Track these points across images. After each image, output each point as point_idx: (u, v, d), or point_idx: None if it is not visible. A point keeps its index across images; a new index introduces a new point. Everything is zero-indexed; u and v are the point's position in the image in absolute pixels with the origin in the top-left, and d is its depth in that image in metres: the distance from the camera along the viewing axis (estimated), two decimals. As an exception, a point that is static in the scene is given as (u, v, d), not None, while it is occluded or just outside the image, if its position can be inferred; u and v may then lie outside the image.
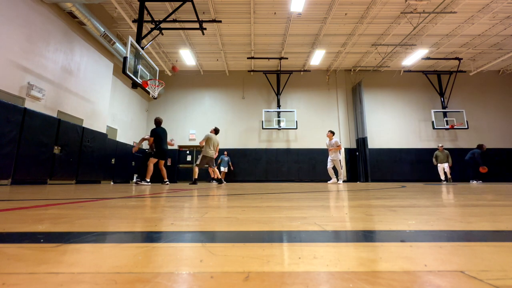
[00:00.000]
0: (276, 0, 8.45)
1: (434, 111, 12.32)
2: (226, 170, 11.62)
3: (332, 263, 0.45)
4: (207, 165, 7.02)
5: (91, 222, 0.86)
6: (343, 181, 7.73)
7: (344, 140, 12.64)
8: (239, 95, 13.15)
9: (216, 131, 7.14)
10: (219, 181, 7.03)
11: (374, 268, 0.42)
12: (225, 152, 11.90)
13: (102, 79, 8.71)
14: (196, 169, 6.84)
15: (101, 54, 8.62)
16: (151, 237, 0.67)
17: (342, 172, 7.56)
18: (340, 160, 7.71)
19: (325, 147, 12.47)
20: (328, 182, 7.79)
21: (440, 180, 10.60)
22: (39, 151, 5.63)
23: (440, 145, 10.34)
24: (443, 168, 10.07)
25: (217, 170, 7.08)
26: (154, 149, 6.43)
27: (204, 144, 6.82)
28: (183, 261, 0.46)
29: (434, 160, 10.32)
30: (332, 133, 8.02)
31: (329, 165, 7.82)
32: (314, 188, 4.04)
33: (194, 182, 6.81)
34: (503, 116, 12.76)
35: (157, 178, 9.09)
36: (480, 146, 9.81)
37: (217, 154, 7.17)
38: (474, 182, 9.74)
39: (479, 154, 9.64)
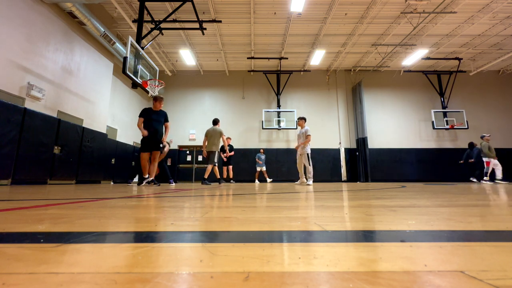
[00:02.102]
0: (276, 0, 8.45)
1: (434, 111, 12.32)
2: (264, 169, 11.07)
3: (332, 263, 0.45)
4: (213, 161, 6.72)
5: (91, 222, 0.86)
6: (295, 182, 6.62)
7: (344, 140, 12.64)
8: (239, 95, 13.16)
9: (213, 122, 6.89)
10: (217, 180, 6.91)
11: (374, 268, 0.42)
12: (261, 150, 11.32)
13: (102, 79, 8.71)
14: (215, 168, 6.74)
15: (101, 54, 8.62)
16: (151, 237, 0.67)
17: (311, 170, 6.27)
18: (308, 155, 6.26)
19: (323, 146, 12.52)
20: (295, 182, 6.16)
21: (493, 180, 8.73)
22: (39, 151, 5.63)
23: (488, 134, 8.87)
24: (495, 164, 8.41)
25: (210, 168, 6.74)
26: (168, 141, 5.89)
27: (206, 141, 6.73)
28: (183, 261, 0.46)
29: (489, 153, 8.44)
30: (304, 119, 6.54)
31: (306, 162, 6.40)
32: (313, 188, 4.04)
33: (218, 180, 6.93)
34: (503, 116, 12.76)
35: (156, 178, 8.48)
36: (475, 144, 9.87)
37: (225, 144, 6.95)
38: (482, 181, 9.56)
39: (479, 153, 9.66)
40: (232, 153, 9.67)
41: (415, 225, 0.82)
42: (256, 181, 11.18)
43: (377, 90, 13.14)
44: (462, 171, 11.82)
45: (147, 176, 5.12)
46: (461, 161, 10.28)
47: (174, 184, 5.99)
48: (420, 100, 13.04)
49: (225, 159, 9.44)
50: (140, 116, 5.20)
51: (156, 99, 5.34)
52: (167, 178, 6.35)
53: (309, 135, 6.27)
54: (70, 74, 7.21)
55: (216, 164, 6.71)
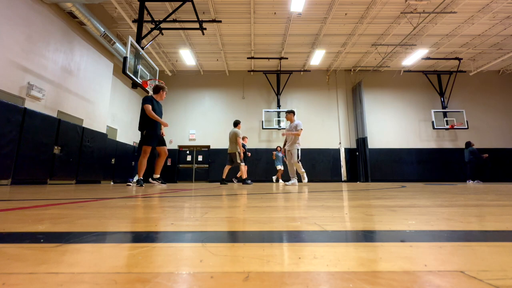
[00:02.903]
0: (276, 0, 8.45)
1: (434, 111, 12.33)
2: (282, 168, 10.40)
3: (332, 263, 0.45)
4: (236, 162, 6.90)
5: (91, 222, 0.86)
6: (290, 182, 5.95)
7: (344, 140, 12.64)
8: (239, 95, 13.16)
9: (233, 124, 7.21)
10: (221, 180, 6.97)
11: (374, 268, 0.42)
12: (278, 147, 10.84)
13: (102, 79, 8.71)
14: (226, 168, 6.99)
15: (101, 54, 8.62)
16: (151, 237, 0.67)
17: (301, 165, 5.74)
18: (298, 150, 5.69)
19: (323, 146, 12.52)
20: (286, 183, 5.81)
21: None
22: (39, 151, 5.63)
23: None
24: None
25: (243, 168, 6.99)
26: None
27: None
28: (183, 261, 0.46)
29: None
30: (293, 113, 5.97)
31: (294, 159, 5.74)
32: (313, 188, 4.04)
33: (244, 181, 6.87)
34: (503, 116, 12.77)
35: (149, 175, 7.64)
36: (471, 143, 9.97)
37: (239, 145, 6.90)
38: (471, 182, 9.73)
39: (477, 151, 9.81)
40: (249, 154, 9.58)
41: (415, 225, 0.82)
42: (280, 181, 10.61)
43: (377, 90, 13.14)
44: (462, 171, 11.83)
45: (141, 178, 4.68)
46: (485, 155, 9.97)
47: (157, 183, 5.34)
48: (420, 100, 13.05)
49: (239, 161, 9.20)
50: (149, 103, 4.62)
51: (163, 89, 4.95)
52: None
53: (301, 129, 5.72)
54: (70, 74, 7.21)
55: (243, 163, 6.88)
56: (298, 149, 5.71)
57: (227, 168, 7.02)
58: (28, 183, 5.45)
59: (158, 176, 4.98)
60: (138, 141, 11.49)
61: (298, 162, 5.71)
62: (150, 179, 4.90)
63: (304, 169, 6.05)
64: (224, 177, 6.94)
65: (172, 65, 12.81)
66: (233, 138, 6.87)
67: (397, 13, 9.06)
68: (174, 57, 12.08)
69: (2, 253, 0.50)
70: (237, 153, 6.81)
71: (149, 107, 4.58)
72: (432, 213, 1.12)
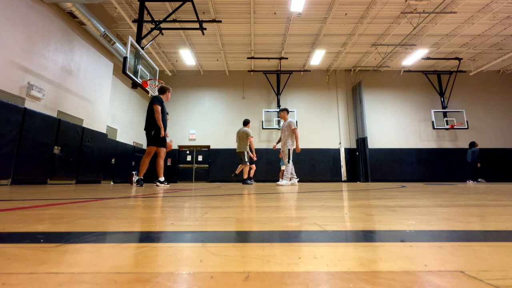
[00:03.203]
0: (276, 0, 8.45)
1: (434, 111, 12.33)
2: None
3: (332, 263, 0.45)
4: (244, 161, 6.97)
5: (91, 222, 0.86)
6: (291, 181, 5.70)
7: (344, 140, 12.64)
8: (239, 95, 13.16)
9: (243, 123, 7.21)
10: (244, 181, 6.94)
11: (374, 268, 0.42)
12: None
13: (102, 79, 8.71)
14: (245, 168, 7.00)
15: (101, 54, 8.62)
16: (151, 237, 0.67)
17: (290, 168, 5.55)
18: (290, 150, 5.54)
19: (323, 146, 12.52)
20: (277, 182, 5.79)
21: None
22: (39, 151, 5.63)
23: None
24: None
25: (246, 169, 6.98)
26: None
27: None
28: (183, 261, 0.46)
29: None
30: (286, 111, 5.86)
31: (284, 160, 5.70)
32: (313, 188, 4.04)
33: (245, 181, 6.92)
34: (503, 116, 12.77)
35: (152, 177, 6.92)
36: (475, 144, 9.99)
37: (252, 146, 6.99)
38: (470, 182, 9.74)
39: (478, 152, 9.84)
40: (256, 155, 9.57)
41: (415, 225, 0.82)
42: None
43: (377, 90, 13.14)
44: (462, 171, 11.83)
45: (142, 177, 4.67)
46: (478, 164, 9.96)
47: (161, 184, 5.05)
48: (420, 100, 13.05)
49: (255, 158, 8.63)
50: (159, 104, 4.55)
51: (169, 90, 4.96)
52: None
53: (295, 128, 5.56)
54: (70, 74, 7.21)
55: (248, 163, 6.93)
56: (289, 149, 5.62)
57: (241, 167, 7.16)
58: (28, 183, 5.45)
59: (163, 178, 4.86)
60: (138, 141, 11.49)
61: (288, 162, 5.58)
62: (157, 183, 4.67)
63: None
64: (237, 172, 7.16)
65: (172, 65, 12.81)
66: (244, 137, 6.92)
67: (397, 13, 9.07)
68: (174, 57, 12.08)
69: (2, 253, 0.50)
70: (245, 152, 6.86)
71: (159, 109, 4.57)
72: (432, 213, 1.12)
